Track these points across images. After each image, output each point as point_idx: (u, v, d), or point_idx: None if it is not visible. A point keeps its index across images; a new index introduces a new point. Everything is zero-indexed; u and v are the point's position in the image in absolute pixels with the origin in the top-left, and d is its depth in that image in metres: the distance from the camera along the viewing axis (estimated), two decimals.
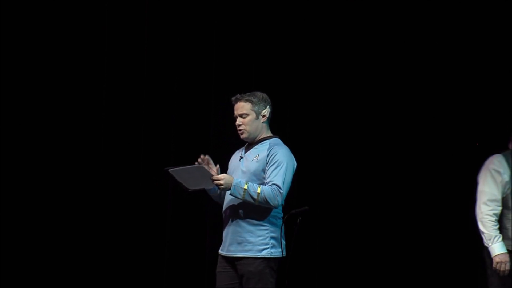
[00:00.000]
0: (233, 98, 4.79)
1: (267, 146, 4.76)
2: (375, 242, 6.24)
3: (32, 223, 6.26)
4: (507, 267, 4.96)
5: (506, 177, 5.01)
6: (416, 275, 6.16)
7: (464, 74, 6.11)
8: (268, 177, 4.68)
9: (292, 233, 4.75)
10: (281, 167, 4.69)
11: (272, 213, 4.72)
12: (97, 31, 6.38)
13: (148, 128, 6.38)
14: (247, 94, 4.78)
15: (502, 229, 5.02)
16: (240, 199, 4.62)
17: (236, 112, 4.77)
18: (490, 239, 4.96)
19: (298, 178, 6.31)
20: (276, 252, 4.71)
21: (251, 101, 4.74)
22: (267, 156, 4.70)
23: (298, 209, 4.95)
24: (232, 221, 4.70)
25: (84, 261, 6.29)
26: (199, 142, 6.17)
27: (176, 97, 6.39)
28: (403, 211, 6.19)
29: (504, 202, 5.03)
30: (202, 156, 4.72)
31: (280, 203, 4.69)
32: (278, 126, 6.33)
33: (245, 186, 4.59)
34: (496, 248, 4.95)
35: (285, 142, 5.91)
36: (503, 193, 5.04)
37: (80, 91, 6.37)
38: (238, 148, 4.95)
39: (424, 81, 6.23)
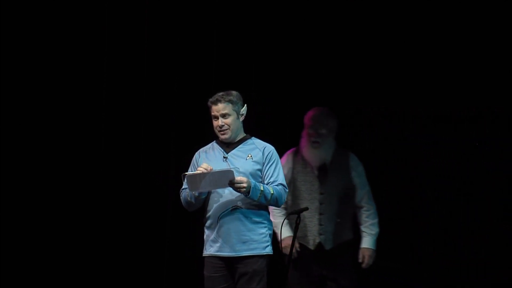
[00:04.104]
0: (212, 99, 4.71)
1: (254, 146, 4.72)
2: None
3: (32, 223, 6.25)
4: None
5: (288, 174, 5.59)
6: (414, 274, 6.16)
7: None
8: (271, 176, 4.66)
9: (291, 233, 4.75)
10: (280, 167, 4.72)
11: (267, 210, 4.71)
12: (97, 31, 6.38)
13: (148, 128, 6.39)
14: (225, 93, 4.71)
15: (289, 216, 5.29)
16: (255, 201, 4.57)
17: (217, 113, 4.69)
18: (276, 226, 5.12)
19: None
20: (271, 249, 4.71)
21: (232, 102, 4.68)
22: (263, 156, 4.68)
23: (298, 209, 4.96)
24: (232, 220, 4.62)
25: (84, 261, 6.29)
26: (199, 142, 6.17)
27: (176, 97, 6.39)
28: (402, 210, 6.19)
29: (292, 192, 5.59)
30: (209, 168, 4.56)
31: (284, 202, 4.71)
32: (278, 126, 6.40)
33: (262, 188, 4.56)
34: (282, 233, 5.29)
35: (285, 142, 5.92)
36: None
37: (80, 91, 6.37)
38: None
39: (424, 80, 6.25)
